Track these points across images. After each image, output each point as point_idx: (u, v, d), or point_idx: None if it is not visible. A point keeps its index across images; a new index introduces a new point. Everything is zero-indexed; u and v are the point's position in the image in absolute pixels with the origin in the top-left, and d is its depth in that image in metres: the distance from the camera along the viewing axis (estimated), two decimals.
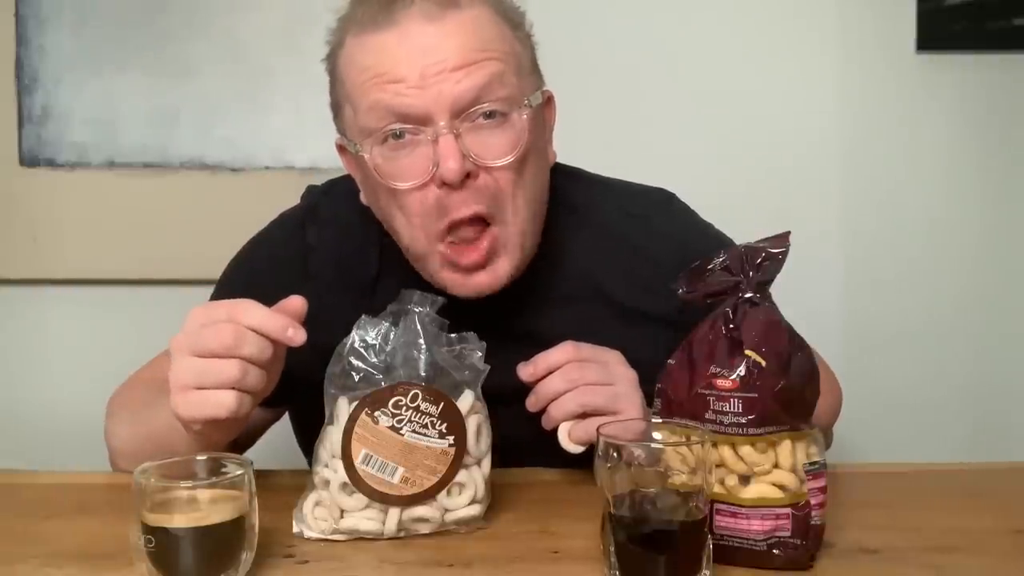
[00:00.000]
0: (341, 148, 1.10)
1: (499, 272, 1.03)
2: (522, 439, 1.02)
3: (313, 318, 0.95)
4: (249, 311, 0.91)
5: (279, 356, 0.95)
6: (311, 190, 1.24)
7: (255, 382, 0.92)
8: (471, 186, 0.99)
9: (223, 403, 0.90)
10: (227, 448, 1.00)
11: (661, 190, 1.24)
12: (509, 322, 1.09)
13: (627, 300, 1.14)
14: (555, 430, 1.02)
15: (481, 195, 1.00)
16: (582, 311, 1.13)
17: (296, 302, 0.94)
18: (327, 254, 1.16)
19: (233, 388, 0.90)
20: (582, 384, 1.00)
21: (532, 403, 1.02)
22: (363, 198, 1.11)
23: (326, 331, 0.94)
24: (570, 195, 1.16)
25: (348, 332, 0.94)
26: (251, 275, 1.19)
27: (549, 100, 1.10)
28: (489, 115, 0.99)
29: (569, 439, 1.01)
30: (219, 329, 0.90)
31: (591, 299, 1.14)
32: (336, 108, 1.08)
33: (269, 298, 0.95)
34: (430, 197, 1.00)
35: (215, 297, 1.18)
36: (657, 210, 1.21)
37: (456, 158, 0.96)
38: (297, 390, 1.01)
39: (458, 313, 0.96)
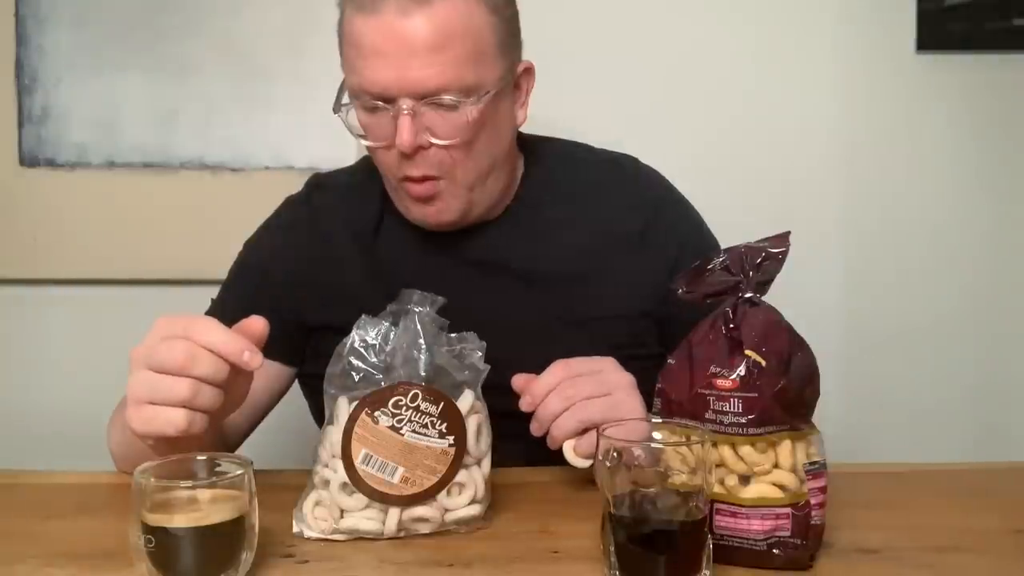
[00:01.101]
0: None
1: (442, 209, 1.15)
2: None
3: (323, 261, 1.17)
4: (207, 330, 0.90)
5: (245, 373, 0.93)
6: (315, 175, 1.33)
7: (208, 402, 0.90)
8: (422, 155, 1.11)
9: (172, 421, 0.89)
10: (254, 414, 1.19)
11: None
12: (500, 255, 1.21)
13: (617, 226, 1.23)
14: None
15: (430, 163, 1.11)
16: (575, 240, 1.21)
17: (257, 324, 0.94)
18: (334, 210, 1.25)
19: (184, 407, 0.89)
20: (578, 400, 1.01)
21: (536, 429, 1.03)
22: None
23: (337, 273, 1.17)
24: (547, 148, 1.28)
25: (356, 276, 1.17)
26: (268, 240, 1.27)
27: (527, 70, 1.18)
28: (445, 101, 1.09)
29: (575, 454, 1.01)
30: (173, 346, 0.89)
31: (584, 230, 1.22)
32: (340, 54, 1.15)
33: (287, 258, 1.19)
34: (392, 155, 1.12)
35: (238, 269, 1.27)
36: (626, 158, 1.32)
37: (410, 134, 1.08)
38: (312, 338, 1.17)
39: (458, 250, 1.17)
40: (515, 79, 1.16)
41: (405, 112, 1.07)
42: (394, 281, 1.04)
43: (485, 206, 1.19)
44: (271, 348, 1.05)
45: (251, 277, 1.25)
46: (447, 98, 1.07)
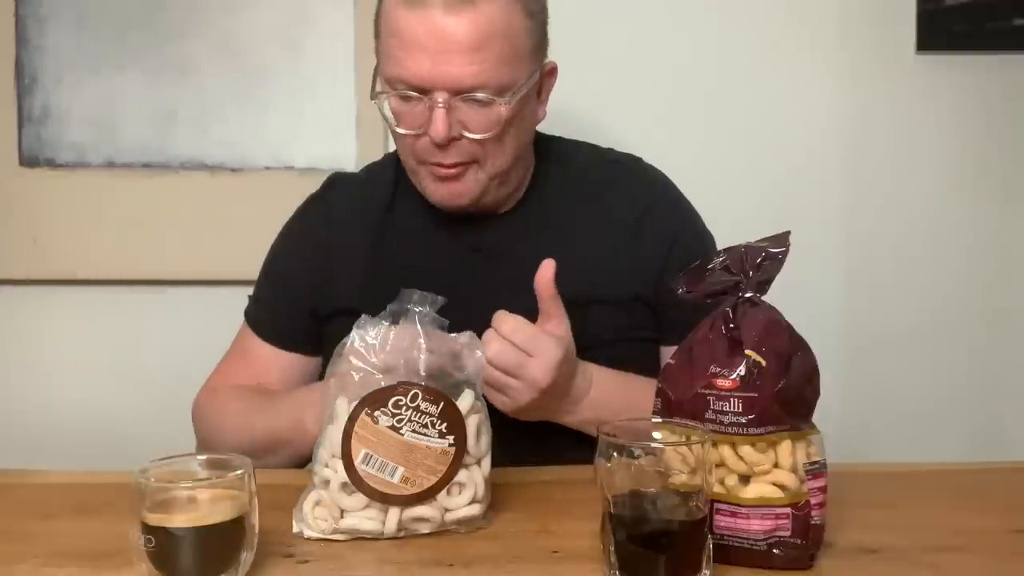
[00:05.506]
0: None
1: (462, 192, 1.18)
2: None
3: (335, 249, 1.22)
4: None
5: None
6: (333, 174, 1.37)
7: None
8: (454, 145, 1.14)
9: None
10: None
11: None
12: (505, 246, 1.24)
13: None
14: None
15: (460, 153, 1.15)
16: (576, 232, 1.25)
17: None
18: (346, 201, 1.30)
19: None
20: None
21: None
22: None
23: (347, 259, 1.23)
24: (556, 147, 1.33)
25: (362, 262, 1.21)
26: (286, 245, 1.32)
27: (552, 70, 1.22)
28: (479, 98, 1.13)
29: None
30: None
31: (585, 223, 1.26)
32: (376, 40, 1.19)
33: (304, 257, 1.25)
34: (423, 143, 1.16)
35: (264, 271, 1.32)
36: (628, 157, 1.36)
37: (444, 126, 1.12)
38: (331, 323, 1.21)
39: (466, 238, 1.22)
40: (541, 78, 1.20)
41: (440, 105, 1.11)
42: (401, 264, 1.11)
43: (500, 197, 1.23)
44: (297, 343, 1.26)
45: (275, 282, 1.32)
46: (481, 95, 1.11)
